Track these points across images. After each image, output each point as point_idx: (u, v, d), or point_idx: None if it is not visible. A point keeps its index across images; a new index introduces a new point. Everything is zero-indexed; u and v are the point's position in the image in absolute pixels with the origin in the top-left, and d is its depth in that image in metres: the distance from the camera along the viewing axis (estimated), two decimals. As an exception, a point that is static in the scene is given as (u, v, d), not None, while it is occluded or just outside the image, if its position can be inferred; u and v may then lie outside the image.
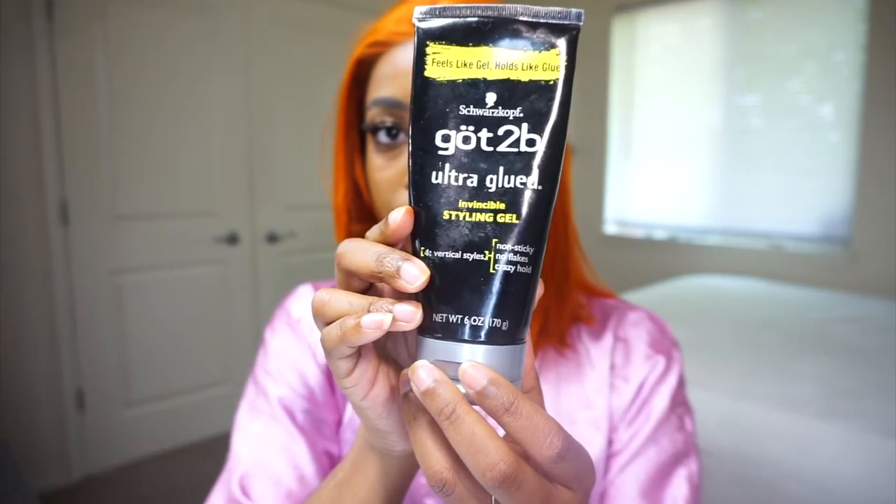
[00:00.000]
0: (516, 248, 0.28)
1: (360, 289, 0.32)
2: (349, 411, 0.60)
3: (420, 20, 0.30)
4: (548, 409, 0.55)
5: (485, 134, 0.29)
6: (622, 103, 3.33)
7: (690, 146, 3.09)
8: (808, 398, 1.32)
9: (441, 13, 0.29)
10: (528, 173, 0.28)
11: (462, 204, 0.29)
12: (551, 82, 0.28)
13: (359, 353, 0.31)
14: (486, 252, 0.28)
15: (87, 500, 2.23)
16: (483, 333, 0.28)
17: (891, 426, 1.19)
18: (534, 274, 0.29)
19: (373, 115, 0.52)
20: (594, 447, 0.55)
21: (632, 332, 0.60)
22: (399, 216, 0.29)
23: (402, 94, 0.50)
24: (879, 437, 1.16)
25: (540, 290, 0.30)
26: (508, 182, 0.28)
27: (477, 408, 0.28)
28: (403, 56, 0.50)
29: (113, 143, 2.31)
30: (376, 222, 0.58)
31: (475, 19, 0.29)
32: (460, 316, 0.28)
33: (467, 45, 0.29)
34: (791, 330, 1.80)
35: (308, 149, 2.81)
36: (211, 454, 2.53)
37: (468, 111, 0.29)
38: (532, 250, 0.28)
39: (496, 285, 0.28)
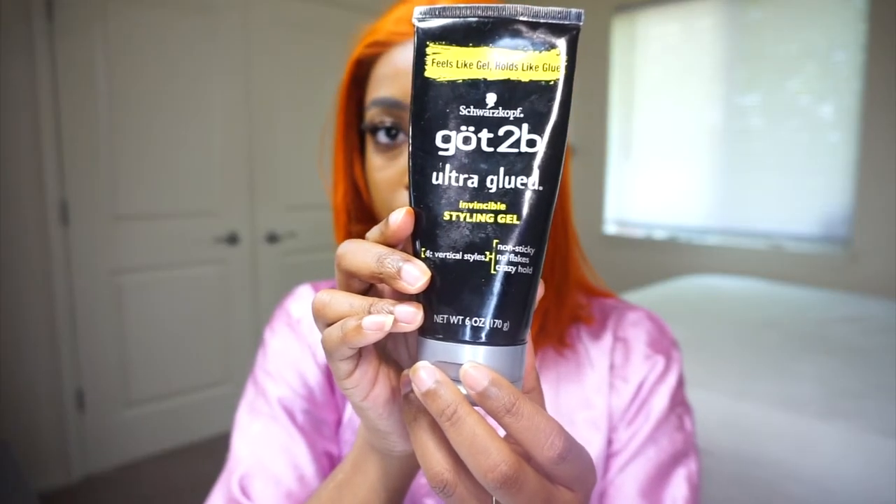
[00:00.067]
0: (517, 248, 0.28)
1: (360, 290, 0.31)
2: (349, 411, 0.60)
3: (420, 20, 0.30)
4: (547, 409, 0.55)
5: (485, 134, 0.29)
6: (622, 103, 3.33)
7: (690, 146, 3.09)
8: (808, 398, 1.32)
9: (441, 13, 0.29)
10: (528, 174, 0.28)
11: (463, 205, 0.29)
12: (551, 82, 0.28)
13: (359, 354, 0.31)
14: (487, 253, 0.28)
15: (87, 500, 2.23)
16: (484, 334, 0.28)
17: (891, 426, 1.19)
18: (534, 275, 0.29)
19: (372, 115, 0.51)
20: (594, 447, 0.55)
21: (631, 331, 0.60)
22: (399, 217, 0.29)
23: (402, 94, 0.50)
24: (879, 437, 1.16)
25: (540, 291, 0.30)
26: (509, 183, 0.28)
27: (478, 409, 0.28)
28: (403, 56, 0.50)
29: (113, 143, 2.31)
30: (376, 222, 0.58)
31: (475, 19, 0.29)
32: (461, 317, 0.28)
33: (467, 46, 0.29)
34: (791, 330, 1.80)
35: (308, 149, 2.81)
36: (211, 454, 2.53)
37: (468, 111, 0.29)
38: (533, 251, 0.28)
39: (497, 286, 0.28)
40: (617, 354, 0.59)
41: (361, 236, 0.55)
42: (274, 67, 2.72)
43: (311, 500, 0.43)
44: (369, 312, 0.28)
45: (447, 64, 0.29)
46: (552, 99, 0.28)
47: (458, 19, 0.29)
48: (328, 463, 0.58)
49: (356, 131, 0.57)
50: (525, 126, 0.28)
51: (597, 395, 0.57)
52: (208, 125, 2.55)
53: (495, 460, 0.26)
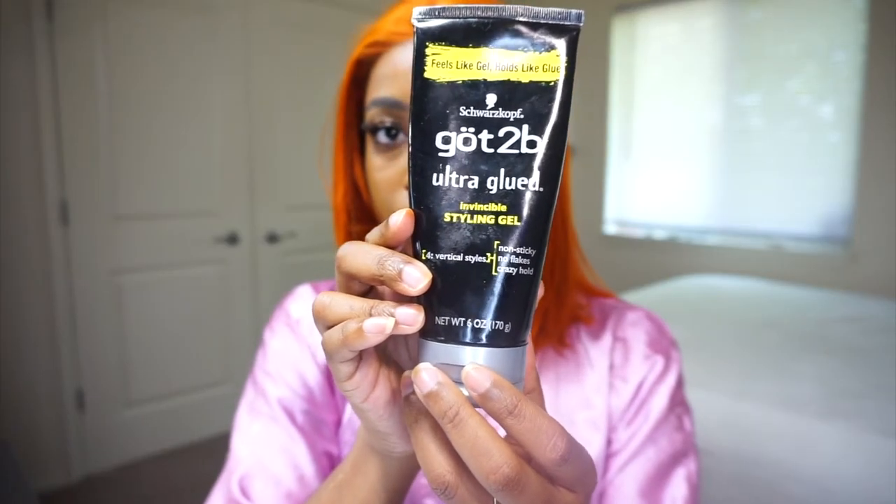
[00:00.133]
0: (518, 249, 0.28)
1: (360, 292, 0.31)
2: (348, 412, 0.60)
3: (419, 21, 0.29)
4: (547, 410, 0.55)
5: (485, 135, 0.28)
6: (622, 103, 3.33)
7: (690, 146, 3.09)
8: (808, 398, 1.32)
9: (440, 14, 0.29)
10: (528, 175, 0.28)
11: (463, 206, 0.28)
12: (551, 83, 0.28)
13: (360, 356, 0.31)
14: (489, 254, 0.28)
15: (87, 500, 2.23)
16: (485, 336, 0.28)
17: (891, 426, 1.19)
18: (535, 276, 0.29)
19: (372, 115, 0.51)
20: (593, 447, 0.55)
21: (630, 331, 0.60)
22: (399, 219, 0.29)
23: (402, 94, 0.50)
24: (879, 437, 1.16)
25: (540, 292, 0.30)
26: (510, 184, 0.28)
27: (479, 410, 0.28)
28: (403, 56, 0.50)
29: (113, 143, 2.31)
30: (376, 223, 0.58)
31: (475, 20, 0.29)
32: (462, 319, 0.28)
33: (467, 46, 0.29)
34: (791, 330, 1.80)
35: (308, 149, 2.80)
36: (211, 454, 2.53)
37: (468, 112, 0.29)
38: (534, 252, 0.28)
39: (499, 288, 0.28)
40: (616, 354, 0.59)
41: (361, 236, 0.55)
42: (274, 67, 2.71)
43: (310, 501, 0.43)
44: (370, 315, 0.28)
45: (447, 65, 0.29)
46: (552, 100, 0.28)
47: (457, 20, 0.29)
48: (328, 463, 0.58)
49: (356, 131, 0.57)
50: (525, 127, 0.28)
51: (596, 395, 0.57)
52: (208, 125, 2.55)
53: (497, 462, 0.26)
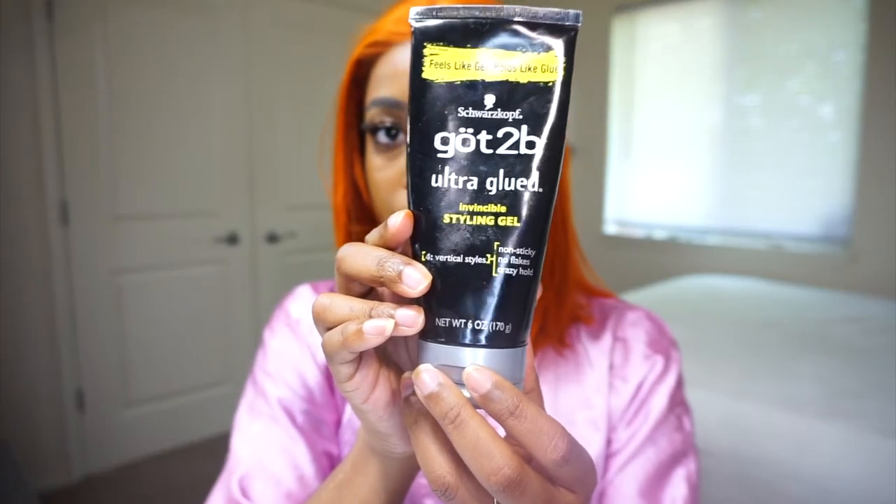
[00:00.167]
0: (518, 250, 0.28)
1: (360, 293, 0.31)
2: (348, 412, 0.60)
3: (416, 21, 0.29)
4: (547, 410, 0.55)
5: (484, 136, 0.28)
6: (622, 103, 3.33)
7: (690, 146, 3.09)
8: (808, 398, 1.32)
9: (438, 14, 0.29)
10: (527, 175, 0.28)
11: (463, 207, 0.28)
12: (550, 84, 0.28)
13: (360, 357, 0.31)
14: (489, 255, 0.28)
15: (87, 500, 2.23)
16: (485, 337, 0.28)
17: (891, 426, 1.19)
18: (535, 276, 0.29)
19: (372, 115, 0.51)
20: (593, 447, 0.55)
21: (630, 331, 0.60)
22: (398, 220, 0.29)
23: (402, 94, 0.50)
24: (879, 437, 1.16)
25: (539, 292, 0.30)
26: (509, 185, 0.28)
27: (479, 411, 0.28)
28: (402, 56, 0.50)
29: (113, 143, 2.31)
30: (376, 223, 0.58)
31: (472, 20, 0.29)
32: (462, 320, 0.28)
33: (465, 47, 0.29)
34: (791, 330, 1.80)
35: (308, 149, 2.80)
36: (211, 454, 2.53)
37: (467, 113, 0.28)
38: (533, 253, 0.28)
39: (499, 288, 0.28)
40: (616, 354, 0.59)
41: (362, 236, 0.55)
42: (274, 67, 2.71)
43: (311, 501, 0.43)
44: (370, 316, 0.28)
45: (445, 65, 0.29)
46: (550, 100, 0.28)
47: (455, 20, 0.29)
48: (328, 463, 0.58)
49: (356, 131, 0.57)
50: (524, 128, 0.28)
51: (596, 395, 0.57)
52: (208, 125, 2.55)
53: (499, 463, 0.26)
